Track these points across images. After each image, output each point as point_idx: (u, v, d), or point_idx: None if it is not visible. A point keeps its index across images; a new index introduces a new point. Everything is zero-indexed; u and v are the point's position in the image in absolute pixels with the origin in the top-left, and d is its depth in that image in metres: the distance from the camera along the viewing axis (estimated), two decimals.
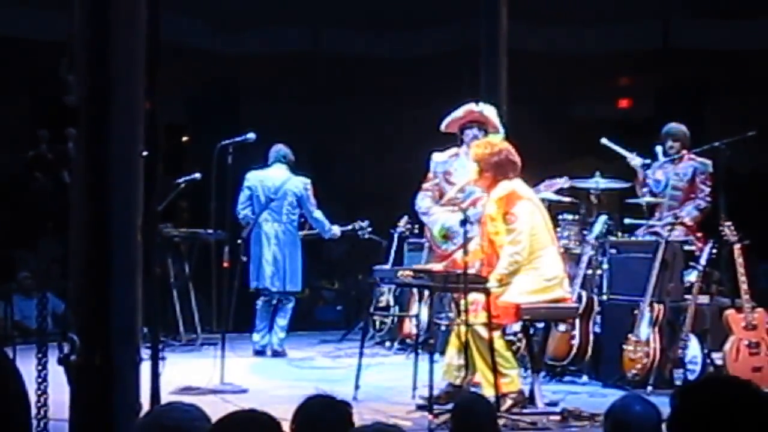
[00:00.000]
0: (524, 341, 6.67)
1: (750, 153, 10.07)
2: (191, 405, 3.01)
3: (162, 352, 4.50)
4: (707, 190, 7.92)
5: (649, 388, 6.79)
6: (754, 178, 12.16)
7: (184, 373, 7.16)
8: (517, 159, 6.34)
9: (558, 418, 5.92)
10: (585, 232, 7.71)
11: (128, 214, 4.33)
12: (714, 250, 7.05)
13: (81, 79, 4.33)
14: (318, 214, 8.93)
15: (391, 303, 9.49)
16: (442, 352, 6.55)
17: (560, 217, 7.79)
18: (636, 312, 7.06)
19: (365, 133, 12.65)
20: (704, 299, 7.21)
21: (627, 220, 8.06)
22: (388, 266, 8.81)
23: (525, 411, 6.03)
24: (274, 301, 8.85)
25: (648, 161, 8.11)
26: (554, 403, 6.27)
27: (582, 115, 12.76)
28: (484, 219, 6.37)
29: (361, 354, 6.76)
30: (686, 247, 7.48)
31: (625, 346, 7.04)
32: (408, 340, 9.12)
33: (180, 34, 11.16)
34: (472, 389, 6.04)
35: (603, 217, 7.64)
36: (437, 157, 7.45)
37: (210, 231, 9.01)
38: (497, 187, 6.25)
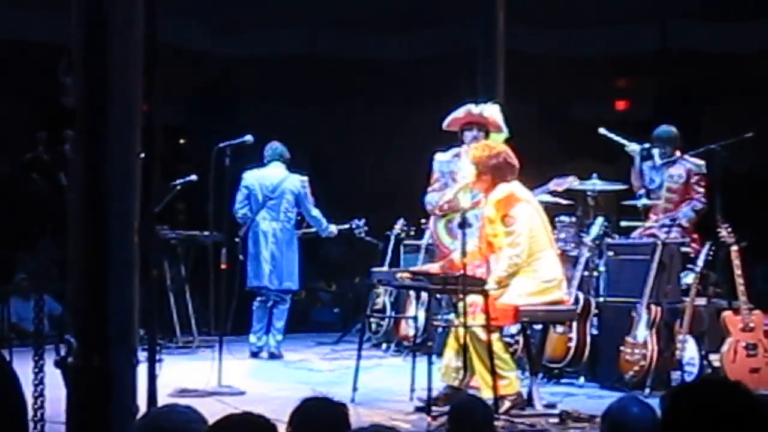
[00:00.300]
0: (522, 343, 6.67)
1: (747, 155, 10.09)
2: (188, 407, 3.01)
3: (159, 354, 4.50)
4: (702, 191, 7.93)
5: (647, 389, 6.80)
6: (750, 179, 12.16)
7: (181, 376, 7.15)
8: (515, 162, 6.34)
9: (556, 420, 5.92)
10: (582, 234, 7.71)
11: (125, 216, 4.33)
12: (711, 252, 7.05)
13: (78, 81, 4.33)
14: (315, 212, 8.95)
15: (388, 305, 9.49)
16: (440, 354, 6.55)
17: (557, 219, 7.79)
18: (633, 314, 7.06)
19: (363, 135, 12.65)
20: (701, 301, 7.21)
21: (624, 223, 8.07)
22: (384, 268, 8.81)
23: (523, 413, 6.03)
24: (270, 302, 8.85)
25: (647, 145, 8.11)
26: (552, 405, 6.27)
27: (580, 117, 12.74)
28: (483, 221, 6.37)
29: (358, 356, 6.76)
30: (683, 249, 7.49)
31: (622, 348, 7.04)
32: (404, 342, 9.12)
33: (177, 36, 11.16)
34: (470, 391, 6.04)
35: (600, 219, 7.64)
36: (440, 157, 7.41)
37: (206, 233, 9.00)
38: (495, 189, 6.25)
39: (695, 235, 7.84)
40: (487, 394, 5.91)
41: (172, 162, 10.86)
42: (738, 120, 10.58)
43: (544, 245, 6.25)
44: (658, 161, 8.07)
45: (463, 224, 6.03)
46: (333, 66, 12.79)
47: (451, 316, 6.54)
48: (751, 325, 6.85)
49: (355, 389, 6.51)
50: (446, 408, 4.94)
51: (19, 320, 9.05)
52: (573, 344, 7.30)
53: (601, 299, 7.59)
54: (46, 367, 4.43)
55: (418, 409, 6.11)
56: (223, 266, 7.35)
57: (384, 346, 9.38)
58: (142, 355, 4.39)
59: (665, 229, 7.50)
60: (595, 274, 7.68)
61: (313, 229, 9.10)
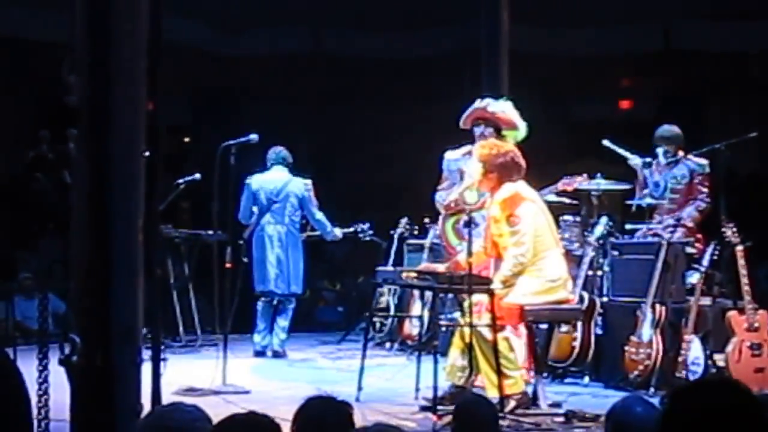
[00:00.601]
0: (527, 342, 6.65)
1: (751, 154, 10.08)
2: (192, 406, 3.01)
3: (163, 353, 4.49)
4: (706, 190, 7.91)
5: (652, 389, 6.79)
6: (754, 179, 12.15)
7: (185, 374, 7.15)
8: (522, 162, 6.32)
9: (562, 419, 5.91)
10: (586, 234, 7.70)
11: (129, 215, 4.32)
12: (716, 252, 7.04)
13: (82, 79, 4.33)
14: (320, 215, 8.94)
15: (392, 304, 9.49)
16: (444, 354, 6.55)
17: (562, 218, 7.78)
18: (638, 313, 7.05)
19: (367, 133, 12.66)
20: (706, 301, 7.20)
21: (628, 226, 8.04)
22: (388, 267, 8.81)
23: (529, 412, 6.03)
24: (275, 302, 8.85)
25: (648, 159, 8.10)
26: (557, 404, 6.27)
27: (584, 117, 12.76)
28: (488, 221, 6.36)
29: (363, 355, 6.75)
30: (687, 250, 7.47)
31: (626, 348, 7.04)
32: (408, 341, 9.12)
33: (182, 35, 11.16)
34: (476, 391, 6.03)
35: (604, 219, 7.63)
36: (450, 155, 7.36)
37: (210, 232, 9.00)
38: (501, 188, 6.24)
39: (699, 235, 7.82)
40: (492, 394, 5.90)
41: (176, 161, 10.87)
42: (742, 120, 10.59)
43: (550, 245, 6.24)
44: (662, 161, 8.06)
45: (469, 223, 6.02)
46: (337, 65, 12.80)
47: (456, 315, 6.53)
48: (756, 324, 6.84)
49: (360, 388, 6.50)
50: (452, 407, 4.93)
51: (23, 319, 9.06)
52: (577, 344, 7.29)
53: (606, 299, 7.58)
54: (51, 366, 4.42)
55: (424, 408, 6.10)
56: (227, 265, 7.34)
57: (388, 345, 9.37)
58: (146, 354, 4.38)
59: (670, 229, 7.48)
60: (599, 273, 7.68)
61: (318, 233, 9.08)
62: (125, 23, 4.33)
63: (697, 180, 7.93)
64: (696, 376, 6.81)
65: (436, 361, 5.94)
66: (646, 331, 6.99)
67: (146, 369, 4.36)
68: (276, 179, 8.80)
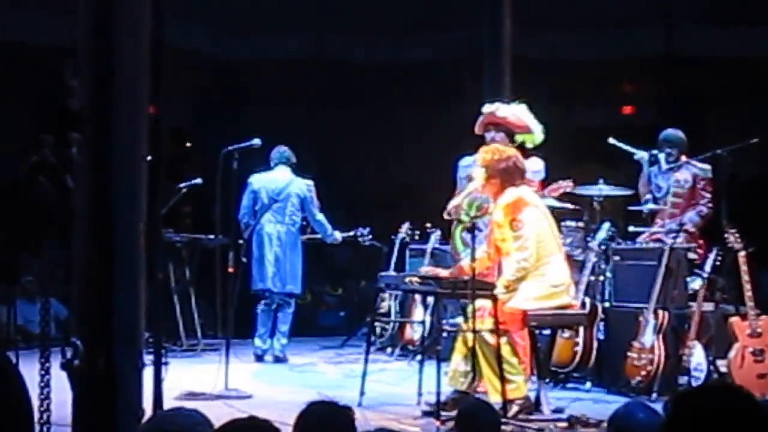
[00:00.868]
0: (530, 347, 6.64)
1: (752, 160, 10.06)
2: (194, 410, 3.00)
3: (164, 357, 4.49)
4: (708, 196, 7.90)
5: (654, 395, 6.78)
6: (756, 185, 12.13)
7: (186, 379, 7.14)
8: (524, 166, 6.31)
9: (565, 424, 5.91)
10: (588, 239, 7.69)
11: (132, 219, 4.33)
12: (719, 258, 7.03)
13: (85, 83, 4.33)
14: (320, 216, 8.93)
15: (393, 309, 9.48)
16: (446, 359, 6.53)
17: (564, 223, 7.77)
18: (640, 319, 7.04)
19: (369, 138, 12.64)
20: (709, 306, 7.19)
21: (631, 228, 8.04)
22: (390, 272, 8.80)
23: (531, 417, 6.02)
24: (275, 306, 8.84)
25: (655, 151, 8.08)
26: (560, 410, 6.26)
27: (585, 122, 12.74)
28: (491, 226, 6.35)
29: (366, 360, 6.74)
30: (688, 255, 7.46)
31: (629, 353, 7.02)
32: (409, 346, 9.11)
33: (184, 38, 11.17)
34: (478, 396, 6.03)
35: (606, 224, 7.63)
36: (463, 162, 7.31)
37: (212, 236, 9.00)
38: (504, 193, 6.23)
39: (701, 241, 7.81)
40: (495, 399, 5.90)
41: (178, 165, 10.87)
42: (743, 125, 10.57)
43: (552, 250, 6.23)
44: (663, 165, 8.05)
45: (473, 229, 6.01)
46: (340, 69, 12.80)
47: (459, 319, 6.52)
48: (759, 330, 6.82)
49: (362, 393, 6.49)
50: (454, 412, 4.93)
51: (25, 322, 9.06)
52: (579, 349, 7.28)
53: (607, 304, 7.57)
54: (53, 370, 4.42)
55: (426, 414, 6.09)
56: (230, 270, 7.34)
57: (389, 350, 9.36)
58: (148, 359, 4.38)
59: (672, 234, 7.48)
60: (601, 278, 7.67)
61: (318, 235, 9.08)
62: (127, 27, 4.33)
63: (700, 185, 7.93)
64: (698, 382, 6.80)
65: (439, 367, 5.93)
66: (649, 336, 6.98)
67: (148, 373, 4.35)
68: (278, 178, 8.80)
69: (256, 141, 7.77)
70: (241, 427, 2.84)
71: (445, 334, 6.81)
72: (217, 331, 9.03)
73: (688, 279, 7.32)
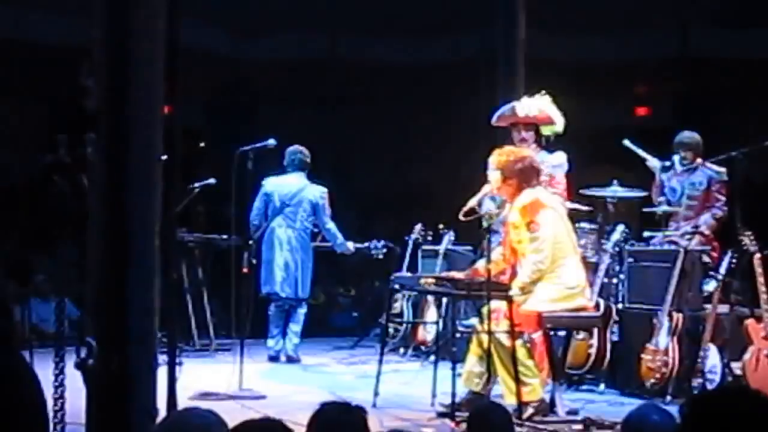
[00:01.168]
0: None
1: (767, 162, 10.01)
2: (208, 411, 3.00)
3: (178, 357, 4.50)
4: (723, 199, 7.87)
5: (668, 397, 6.76)
6: None
7: (200, 379, 7.16)
8: (540, 167, 6.30)
9: (580, 426, 5.89)
10: (603, 241, 7.67)
11: (146, 219, 4.33)
12: (734, 260, 7.00)
13: (100, 83, 4.34)
14: (331, 225, 8.88)
15: (405, 310, 9.47)
16: (461, 360, 6.52)
17: (578, 225, 7.75)
18: (655, 321, 7.02)
19: (383, 139, 12.65)
20: (724, 309, 7.16)
21: (646, 233, 8.01)
22: (403, 273, 8.79)
23: (546, 419, 6.01)
24: (287, 307, 8.84)
25: (668, 163, 8.07)
26: (574, 412, 6.25)
27: (600, 123, 12.70)
28: (507, 227, 6.34)
29: (380, 361, 6.73)
30: (703, 258, 7.43)
31: (643, 355, 7.00)
32: (422, 347, 9.10)
33: (199, 39, 11.18)
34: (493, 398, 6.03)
35: (621, 226, 7.61)
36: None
37: (225, 236, 9.00)
38: (521, 195, 6.22)
39: (715, 243, 7.78)
40: (510, 401, 5.90)
41: (192, 165, 10.89)
42: (759, 127, 10.52)
43: (568, 252, 6.22)
44: (678, 168, 8.03)
45: (488, 230, 6.01)
46: (353, 70, 12.80)
47: (472, 321, 6.51)
48: None
49: (376, 394, 6.49)
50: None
51: (39, 321, 9.08)
52: (593, 351, 7.26)
53: (621, 306, 7.55)
54: (67, 369, 4.43)
55: (441, 415, 6.09)
56: (245, 270, 7.34)
57: (401, 350, 9.35)
58: (162, 358, 4.39)
59: (687, 237, 7.45)
60: (615, 281, 7.64)
61: (329, 243, 9.04)
62: (143, 28, 4.34)
63: (714, 188, 7.90)
64: (713, 385, 6.78)
65: (454, 368, 5.92)
66: (663, 338, 6.95)
67: (161, 373, 4.36)
68: (292, 183, 8.78)
69: (271, 141, 7.78)
70: (256, 427, 2.84)
71: (458, 335, 6.81)
72: (230, 332, 9.03)
73: (703, 281, 7.30)
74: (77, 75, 4.35)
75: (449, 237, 9.16)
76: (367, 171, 13.07)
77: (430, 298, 8.82)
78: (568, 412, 6.20)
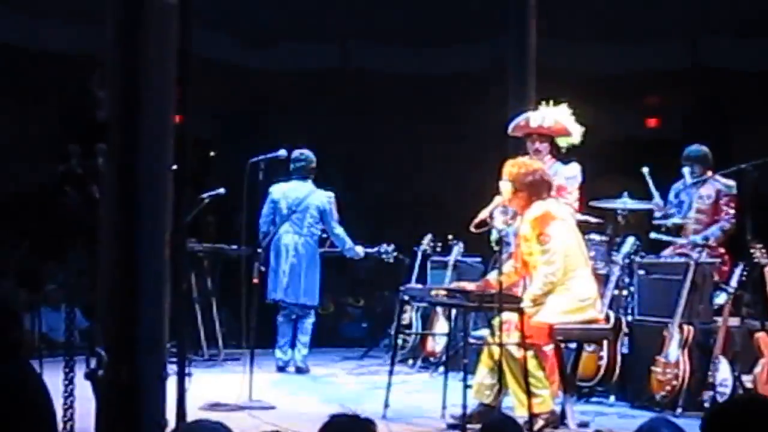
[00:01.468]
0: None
1: None
2: (217, 422, 3.00)
3: (187, 367, 4.49)
4: (731, 212, 7.84)
5: (679, 410, 6.74)
6: None
7: (209, 389, 7.14)
8: (551, 179, 6.30)
9: None
10: (613, 253, 7.65)
11: (157, 229, 4.33)
12: (745, 273, 6.98)
13: (112, 94, 4.35)
14: (339, 229, 8.87)
15: (414, 321, 9.46)
16: (471, 371, 6.50)
17: (588, 237, 7.73)
18: (665, 333, 7.00)
19: (393, 149, 12.64)
20: (734, 321, 7.14)
21: (653, 235, 7.98)
22: (412, 284, 8.77)
23: (557, 431, 5.98)
24: (294, 316, 8.82)
25: (672, 211, 8.04)
26: (585, 424, 6.23)
27: (610, 134, 12.68)
28: (518, 240, 6.33)
29: (390, 372, 6.72)
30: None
31: (653, 368, 6.98)
32: (431, 358, 9.08)
33: (210, 49, 11.20)
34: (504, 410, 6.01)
35: (631, 238, 7.59)
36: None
37: (234, 246, 9.00)
38: (531, 207, 6.21)
39: (726, 257, 7.75)
40: (520, 412, 5.88)
41: (201, 174, 10.90)
42: None
43: (579, 264, 6.21)
44: (688, 180, 8.01)
45: (499, 242, 6.00)
46: (364, 80, 12.80)
47: (482, 332, 6.49)
48: None
49: (386, 405, 6.47)
50: (479, 426, 4.91)
51: (49, 330, 9.08)
52: (603, 363, 7.24)
53: (631, 318, 7.53)
54: (76, 379, 4.43)
55: (451, 427, 6.07)
56: (255, 280, 7.34)
57: (410, 361, 9.33)
58: (171, 368, 4.38)
59: (698, 248, 7.43)
60: (625, 293, 7.62)
61: (338, 249, 9.03)
62: (155, 38, 4.35)
63: (723, 200, 7.87)
64: (724, 398, 6.75)
65: (465, 379, 5.91)
66: (674, 351, 6.93)
67: (171, 384, 4.35)
68: (298, 189, 8.76)
69: (282, 152, 7.78)
70: None
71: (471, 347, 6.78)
72: (240, 342, 9.02)
73: (714, 294, 7.28)
74: (88, 85, 4.36)
75: (458, 248, 9.15)
76: (377, 181, 13.07)
77: (440, 309, 8.80)
78: (579, 425, 6.18)
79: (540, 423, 5.97)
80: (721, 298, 7.21)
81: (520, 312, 5.96)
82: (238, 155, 7.86)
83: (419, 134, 12.47)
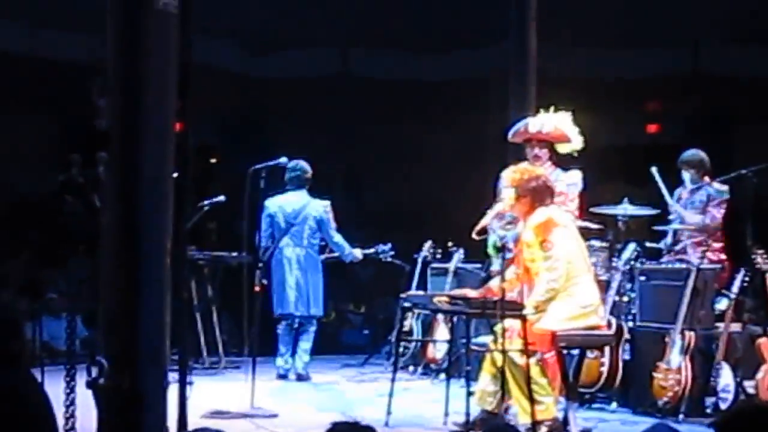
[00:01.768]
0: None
1: None
2: (219, 430, 2.99)
3: (189, 376, 4.49)
4: (718, 215, 7.76)
5: (681, 416, 6.73)
6: None
7: (210, 397, 7.13)
8: (554, 185, 6.29)
9: None
10: (613, 259, 7.64)
11: (158, 238, 4.33)
12: (746, 278, 6.97)
13: (113, 103, 4.35)
14: (338, 237, 8.87)
15: (415, 328, 9.45)
16: (473, 378, 6.49)
17: (588, 243, 7.72)
18: (667, 339, 6.99)
19: (394, 156, 12.64)
20: (736, 327, 7.13)
21: (648, 244, 7.97)
22: (412, 291, 8.76)
23: None
24: (296, 325, 8.81)
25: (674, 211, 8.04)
26: (587, 431, 6.22)
27: (611, 140, 12.67)
28: (520, 246, 6.31)
29: (393, 379, 6.71)
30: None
31: (655, 374, 6.97)
32: (432, 365, 9.07)
33: (211, 56, 11.21)
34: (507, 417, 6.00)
35: (632, 244, 7.58)
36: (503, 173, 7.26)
37: (234, 254, 8.99)
38: (534, 213, 6.20)
39: (726, 263, 7.74)
40: (524, 420, 5.87)
41: (203, 182, 10.90)
42: None
43: (582, 270, 6.20)
44: (688, 185, 8.01)
45: (502, 248, 5.99)
46: (365, 87, 12.81)
47: (483, 339, 6.48)
48: None
49: (389, 412, 6.46)
50: None
51: (50, 339, 9.07)
52: (605, 369, 7.23)
53: (632, 324, 7.52)
54: (78, 388, 4.42)
55: None
56: (257, 288, 7.32)
57: (411, 368, 9.33)
58: (172, 376, 4.38)
59: (698, 254, 7.41)
60: (625, 299, 7.62)
61: (337, 254, 9.03)
62: (155, 46, 4.35)
63: (712, 203, 7.81)
64: (726, 403, 6.75)
65: (468, 386, 5.90)
66: (675, 357, 6.92)
67: (172, 392, 4.35)
68: (294, 201, 8.75)
69: (283, 159, 7.78)
70: None
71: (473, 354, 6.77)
72: (241, 349, 9.02)
73: (715, 299, 7.27)
74: (89, 94, 4.36)
75: (459, 255, 9.14)
76: (378, 188, 13.07)
77: (441, 316, 8.79)
78: (582, 431, 6.16)
79: (543, 430, 5.96)
80: (722, 304, 7.20)
81: (523, 319, 5.95)
82: (240, 162, 7.86)
83: (420, 140, 12.47)
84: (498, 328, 6.01)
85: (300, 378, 8.73)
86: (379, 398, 7.08)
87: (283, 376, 8.75)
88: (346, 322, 12.00)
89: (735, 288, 7.00)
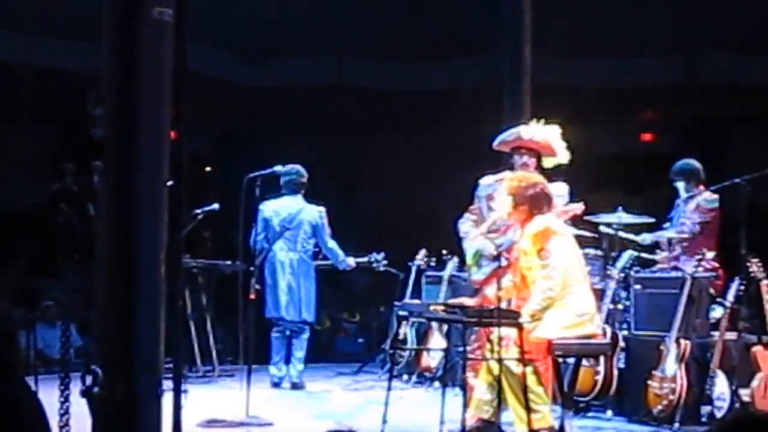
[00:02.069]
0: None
1: None
2: None
3: (183, 384, 4.47)
4: (698, 220, 7.77)
5: (676, 424, 6.73)
6: None
7: (205, 406, 7.12)
8: (551, 193, 6.29)
9: None
10: (608, 267, 7.65)
11: (153, 246, 4.32)
12: (741, 287, 6.98)
13: (107, 111, 4.34)
14: (332, 243, 8.87)
15: (409, 336, 9.45)
16: (462, 386, 6.49)
17: (583, 251, 7.72)
18: (662, 347, 6.99)
19: (389, 165, 12.67)
20: (731, 336, 7.14)
21: (635, 253, 7.97)
22: (406, 299, 8.77)
23: None
24: (288, 332, 8.80)
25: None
26: None
27: (605, 149, 12.71)
28: (517, 254, 6.31)
29: (389, 387, 6.69)
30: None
31: (650, 382, 6.97)
32: (426, 373, 9.07)
33: (205, 64, 11.23)
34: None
35: (627, 253, 7.59)
36: (484, 181, 7.23)
37: (228, 262, 8.98)
38: (532, 221, 6.19)
39: (719, 271, 7.75)
40: (520, 429, 5.86)
41: (197, 190, 10.90)
42: (765, 152, 10.52)
43: (579, 279, 6.19)
44: (683, 195, 8.02)
45: (498, 257, 5.98)
46: (360, 96, 12.84)
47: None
48: None
49: (384, 421, 6.44)
50: None
51: (45, 347, 9.07)
52: (600, 377, 7.23)
53: (627, 332, 7.53)
54: (72, 397, 4.41)
55: None
56: (252, 296, 7.32)
57: (405, 377, 9.32)
58: (166, 384, 4.37)
59: (694, 263, 7.42)
60: (620, 307, 7.62)
61: (330, 261, 9.02)
62: (150, 54, 4.35)
63: (698, 210, 7.82)
64: (721, 412, 6.75)
65: (464, 395, 5.89)
66: (670, 365, 6.92)
67: (167, 400, 4.34)
68: (289, 206, 8.75)
69: (278, 168, 7.78)
70: None
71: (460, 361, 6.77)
72: (235, 358, 9.00)
73: (710, 308, 7.28)
74: (85, 103, 4.35)
75: (453, 263, 9.14)
76: (372, 197, 13.08)
77: (435, 324, 8.79)
78: None
79: None
80: (717, 312, 7.21)
81: (519, 328, 5.95)
82: (234, 171, 7.87)
83: (414, 149, 12.50)
84: (494, 336, 6.00)
85: (295, 386, 8.73)
86: (373, 406, 7.08)
87: (276, 384, 8.74)
88: (340, 331, 12.01)
89: (730, 296, 7.01)
